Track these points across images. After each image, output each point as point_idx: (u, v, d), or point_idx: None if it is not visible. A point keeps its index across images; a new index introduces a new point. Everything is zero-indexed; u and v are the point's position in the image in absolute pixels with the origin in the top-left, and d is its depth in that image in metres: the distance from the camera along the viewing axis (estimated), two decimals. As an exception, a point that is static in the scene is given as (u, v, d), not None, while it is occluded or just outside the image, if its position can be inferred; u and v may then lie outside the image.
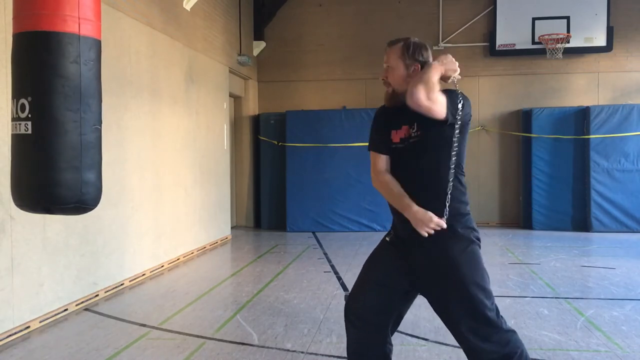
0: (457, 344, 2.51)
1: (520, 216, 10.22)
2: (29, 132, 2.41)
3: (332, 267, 6.74)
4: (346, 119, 9.79)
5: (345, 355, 2.67)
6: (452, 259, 2.40)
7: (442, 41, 10.35)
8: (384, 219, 9.39)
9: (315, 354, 3.78)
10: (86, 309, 4.94)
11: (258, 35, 10.61)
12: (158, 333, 4.30)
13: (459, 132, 2.42)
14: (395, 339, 2.85)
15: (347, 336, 2.60)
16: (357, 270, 2.74)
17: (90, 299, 5.11)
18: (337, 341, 4.00)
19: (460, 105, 2.41)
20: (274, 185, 10.30)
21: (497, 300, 2.46)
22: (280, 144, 10.14)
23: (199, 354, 3.81)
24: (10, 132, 2.53)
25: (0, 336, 4.01)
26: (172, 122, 6.97)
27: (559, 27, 9.87)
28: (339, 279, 6.09)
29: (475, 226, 2.53)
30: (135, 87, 5.96)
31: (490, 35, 10.31)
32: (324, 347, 3.92)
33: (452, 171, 2.43)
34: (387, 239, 2.62)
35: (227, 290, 5.73)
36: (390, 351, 2.59)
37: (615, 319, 4.50)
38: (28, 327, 4.30)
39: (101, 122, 2.59)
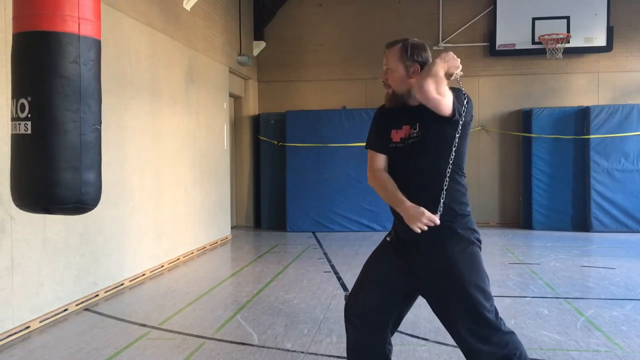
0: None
1: (520, 216, 10.22)
2: (29, 132, 2.41)
3: (332, 267, 6.74)
4: (346, 119, 9.79)
5: (345, 355, 2.67)
6: (451, 260, 2.40)
7: (442, 41, 10.35)
8: (384, 219, 9.39)
9: (315, 354, 3.78)
10: (86, 309, 4.94)
11: (258, 35, 10.61)
12: (158, 333, 4.30)
13: (461, 132, 2.42)
14: (395, 339, 2.86)
15: (347, 336, 2.60)
16: (357, 270, 2.74)
17: (90, 299, 5.12)
18: (337, 341, 4.00)
19: (465, 103, 2.42)
20: (274, 185, 10.30)
21: (497, 300, 2.46)
22: (280, 144, 10.14)
23: (199, 354, 3.81)
24: (10, 132, 2.53)
25: (0, 336, 4.01)
26: (172, 122, 6.97)
27: (559, 27, 9.87)
28: (339, 279, 6.09)
29: (476, 227, 2.52)
30: (135, 87, 5.96)
31: (490, 35, 10.31)
32: (324, 347, 3.92)
33: (451, 171, 2.42)
34: (388, 239, 2.62)
35: (227, 290, 5.73)
36: (390, 351, 2.59)
37: (615, 319, 4.50)
38: (28, 327, 4.30)
39: (101, 122, 2.59)
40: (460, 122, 2.41)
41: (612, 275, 6.13)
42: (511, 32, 10.14)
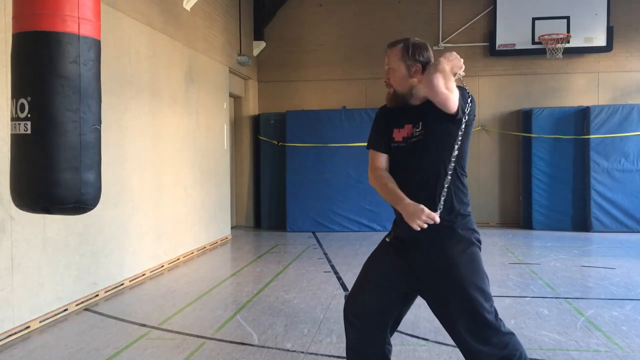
0: (457, 344, 2.51)
1: (520, 216, 10.22)
2: (29, 132, 2.41)
3: (332, 267, 6.74)
4: (346, 119, 9.79)
5: (345, 356, 2.67)
6: (451, 260, 2.39)
7: (442, 41, 10.36)
8: (384, 219, 9.39)
9: (315, 354, 3.78)
10: (86, 309, 4.94)
11: (258, 35, 10.61)
12: (158, 333, 4.30)
13: (463, 130, 2.42)
14: (395, 339, 2.86)
15: (346, 336, 2.60)
16: (357, 270, 2.74)
17: (90, 299, 5.12)
18: (337, 341, 4.00)
19: (469, 102, 2.42)
20: (274, 185, 10.30)
21: (496, 301, 2.46)
22: (280, 144, 10.14)
23: (199, 354, 3.81)
24: (9, 132, 2.53)
25: (0, 336, 4.01)
26: (172, 122, 6.97)
27: (559, 27, 9.87)
28: (339, 279, 6.09)
29: (476, 228, 2.52)
30: (135, 87, 5.96)
31: (490, 35, 10.31)
32: (324, 347, 3.92)
33: (453, 170, 2.42)
34: (387, 239, 2.61)
35: (227, 290, 5.73)
36: (390, 351, 2.59)
37: (615, 319, 4.50)
38: (28, 327, 4.30)
39: (101, 122, 2.59)
40: (464, 121, 2.40)
41: (612, 275, 6.13)
42: (511, 32, 10.15)
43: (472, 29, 10.46)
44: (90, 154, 2.51)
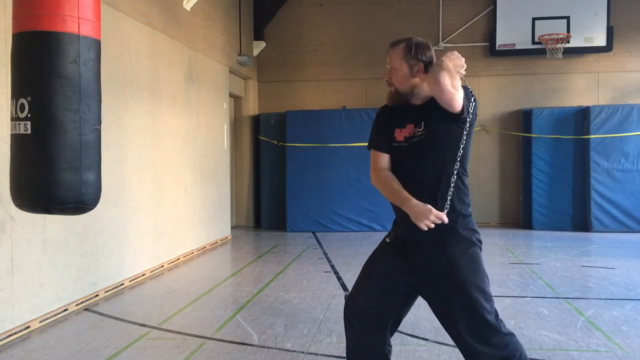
0: (457, 344, 2.51)
1: (520, 216, 10.22)
2: (29, 132, 2.41)
3: (332, 267, 6.74)
4: (346, 119, 9.79)
5: (345, 356, 2.67)
6: (452, 260, 2.39)
7: (442, 41, 10.36)
8: (384, 219, 9.39)
9: (315, 354, 3.78)
10: (86, 309, 4.94)
11: (258, 35, 10.61)
12: (158, 333, 4.30)
13: (467, 130, 2.42)
14: (395, 339, 2.86)
15: (346, 337, 2.60)
16: (357, 270, 2.73)
17: (90, 299, 5.11)
18: (337, 341, 4.00)
19: (473, 101, 2.42)
20: (274, 185, 10.30)
21: (496, 301, 2.45)
22: (280, 144, 10.14)
23: (199, 354, 3.81)
24: (9, 132, 2.53)
25: (0, 336, 4.01)
26: (172, 122, 6.97)
27: (559, 27, 9.87)
28: (339, 279, 6.09)
29: (477, 228, 2.52)
30: (135, 87, 5.96)
31: (490, 35, 10.31)
32: (324, 347, 3.92)
33: (457, 170, 2.42)
34: (387, 240, 2.61)
35: (227, 290, 5.73)
36: (390, 352, 2.59)
37: (615, 319, 4.50)
38: (28, 327, 4.30)
39: (101, 122, 2.59)
40: (468, 120, 2.40)
41: (612, 275, 6.13)
42: (511, 32, 10.14)
43: (472, 29, 10.46)
44: (90, 154, 2.51)
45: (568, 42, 9.76)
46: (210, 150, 8.33)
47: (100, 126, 2.58)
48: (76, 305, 4.90)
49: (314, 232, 9.60)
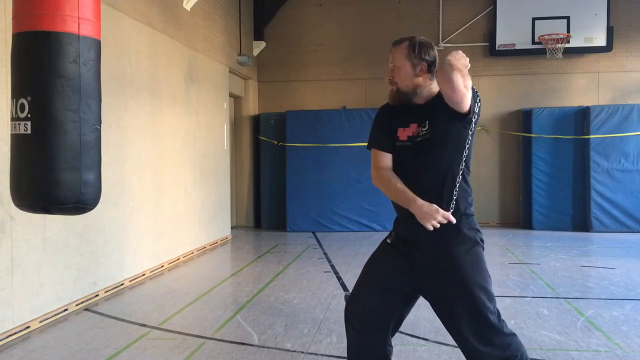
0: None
1: (520, 216, 10.22)
2: (29, 132, 2.41)
3: (332, 267, 6.74)
4: (346, 119, 9.79)
5: (345, 356, 2.67)
6: (456, 260, 2.38)
7: (442, 41, 10.36)
8: (384, 219, 9.39)
9: (315, 354, 3.78)
10: (86, 309, 4.94)
11: (258, 35, 10.61)
12: (158, 333, 4.30)
13: (472, 130, 2.41)
14: (395, 339, 2.85)
15: (347, 337, 2.59)
16: (357, 271, 2.73)
17: (90, 299, 5.11)
18: (337, 341, 4.00)
19: (478, 101, 2.42)
20: (274, 185, 10.30)
21: (497, 301, 2.45)
22: (280, 144, 10.14)
23: (199, 354, 3.81)
24: (9, 132, 2.53)
25: (0, 336, 4.01)
26: (172, 122, 6.97)
27: (559, 27, 9.86)
28: (339, 279, 6.09)
29: (479, 227, 2.51)
30: (135, 87, 5.96)
31: (490, 35, 10.31)
32: (324, 347, 3.92)
33: (462, 170, 2.42)
34: (388, 240, 2.60)
35: (227, 290, 5.73)
36: (391, 352, 2.58)
37: (615, 319, 4.50)
38: (28, 327, 4.30)
39: (101, 122, 2.59)
40: (474, 120, 2.40)
41: (612, 275, 6.13)
42: (511, 32, 10.14)
43: (472, 29, 10.46)
44: (90, 154, 2.51)
45: (568, 42, 9.76)
46: (210, 150, 8.33)
47: (100, 126, 2.58)
48: (76, 305, 4.90)
49: (314, 232, 9.60)
